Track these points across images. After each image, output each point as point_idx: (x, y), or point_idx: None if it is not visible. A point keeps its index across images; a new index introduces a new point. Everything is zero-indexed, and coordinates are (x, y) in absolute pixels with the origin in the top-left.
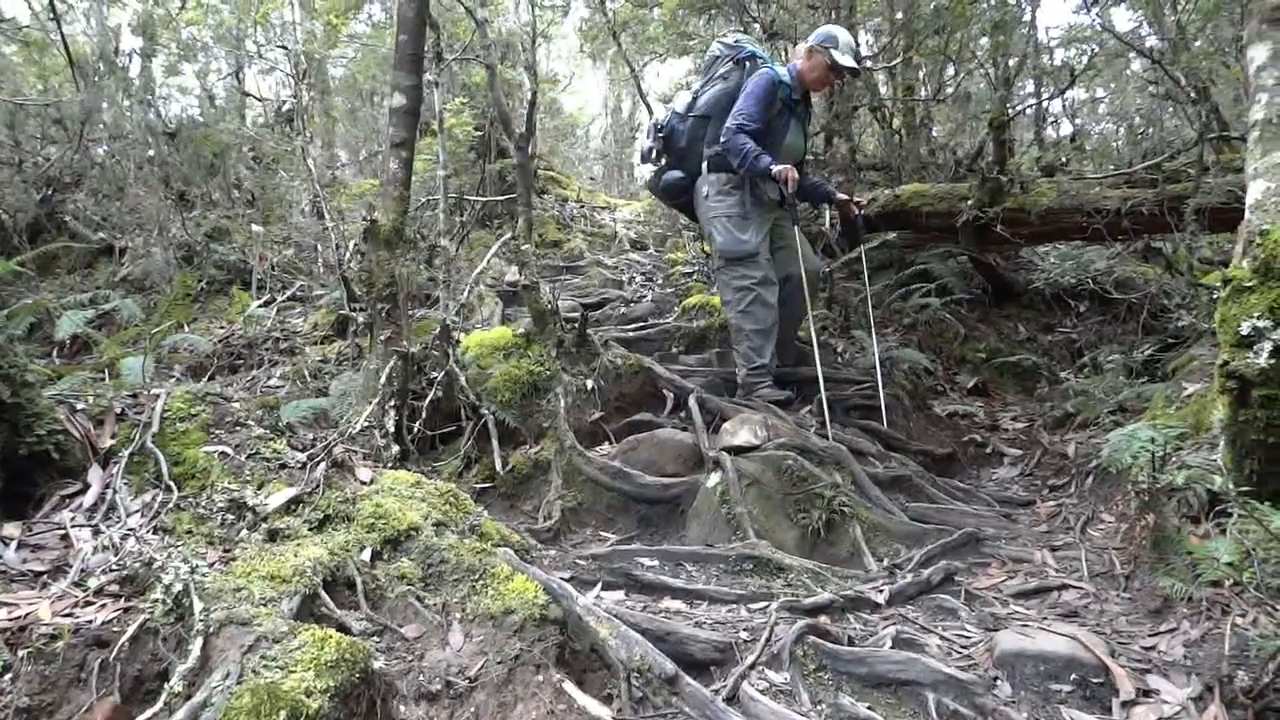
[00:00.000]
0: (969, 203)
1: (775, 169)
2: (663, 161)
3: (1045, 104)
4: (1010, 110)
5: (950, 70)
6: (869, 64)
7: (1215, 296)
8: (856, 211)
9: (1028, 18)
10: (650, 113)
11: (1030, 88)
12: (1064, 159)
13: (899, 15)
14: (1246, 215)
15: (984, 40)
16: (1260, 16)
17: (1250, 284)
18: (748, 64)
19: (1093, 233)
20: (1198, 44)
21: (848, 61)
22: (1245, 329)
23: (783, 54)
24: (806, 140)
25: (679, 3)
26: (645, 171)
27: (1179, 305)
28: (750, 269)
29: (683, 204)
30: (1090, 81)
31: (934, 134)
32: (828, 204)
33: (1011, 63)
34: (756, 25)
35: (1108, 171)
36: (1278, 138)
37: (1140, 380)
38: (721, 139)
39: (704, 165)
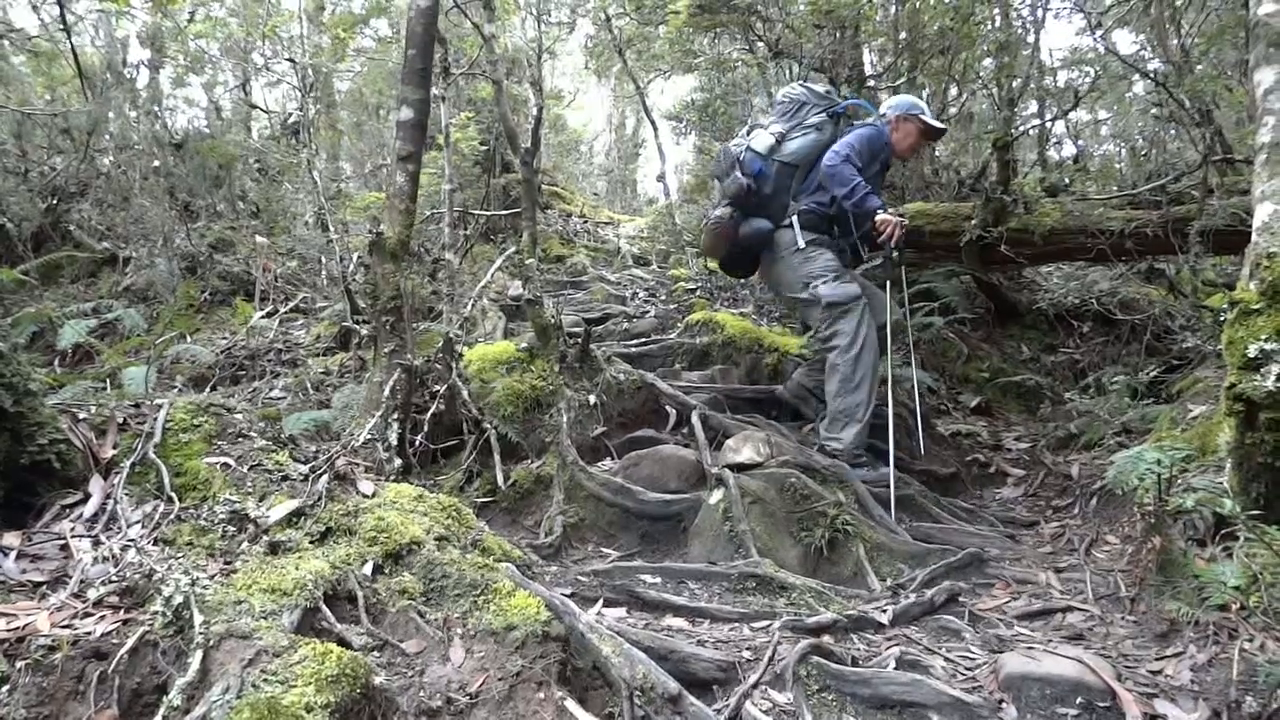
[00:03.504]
0: (973, 222)
1: (880, 216)
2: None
3: (1049, 125)
4: (1014, 131)
5: (954, 91)
6: (872, 84)
7: (1220, 318)
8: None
9: (1031, 39)
10: (655, 129)
11: (1034, 109)
12: (1067, 180)
13: (903, 36)
14: (1254, 238)
15: (988, 61)
16: (1268, 40)
17: (1258, 306)
18: (843, 118)
19: (1097, 253)
20: (1201, 67)
21: (938, 124)
22: (1253, 351)
23: (787, 73)
24: None
25: (684, 21)
26: (711, 213)
27: (1183, 327)
28: (860, 315)
29: (743, 259)
30: (1093, 103)
31: (937, 153)
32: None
33: (1015, 84)
34: (761, 44)
35: (1111, 193)
36: None
37: (1145, 402)
38: (827, 162)
39: (794, 219)
